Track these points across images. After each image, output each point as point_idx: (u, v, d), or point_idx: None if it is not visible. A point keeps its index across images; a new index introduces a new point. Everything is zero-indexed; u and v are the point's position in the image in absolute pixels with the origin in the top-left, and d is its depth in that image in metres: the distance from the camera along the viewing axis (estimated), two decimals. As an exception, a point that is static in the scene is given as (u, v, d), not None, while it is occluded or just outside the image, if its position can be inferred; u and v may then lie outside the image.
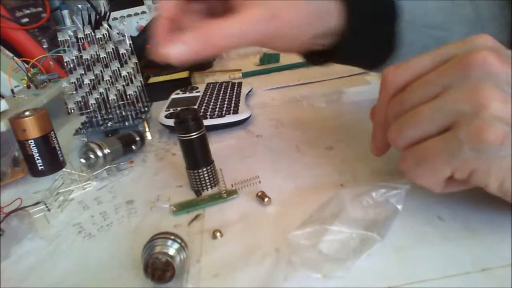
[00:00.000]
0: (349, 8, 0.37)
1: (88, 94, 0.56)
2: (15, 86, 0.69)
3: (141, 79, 0.58)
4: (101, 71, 0.56)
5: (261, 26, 0.34)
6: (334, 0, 0.37)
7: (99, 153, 0.45)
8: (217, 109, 0.55)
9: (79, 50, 0.55)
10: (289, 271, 0.26)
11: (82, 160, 0.45)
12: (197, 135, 0.37)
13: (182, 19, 0.38)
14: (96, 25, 0.82)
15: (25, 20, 0.84)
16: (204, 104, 0.58)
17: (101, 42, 0.55)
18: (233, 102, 0.57)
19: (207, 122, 0.51)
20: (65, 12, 1.02)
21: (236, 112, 0.53)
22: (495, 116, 0.23)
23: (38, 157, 0.47)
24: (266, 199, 0.35)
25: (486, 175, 0.25)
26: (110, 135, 0.56)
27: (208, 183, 0.38)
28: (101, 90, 0.56)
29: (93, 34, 0.55)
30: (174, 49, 0.33)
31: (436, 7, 0.41)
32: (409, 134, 0.28)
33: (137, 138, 0.50)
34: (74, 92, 0.55)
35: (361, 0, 0.38)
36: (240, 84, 0.66)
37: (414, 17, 0.39)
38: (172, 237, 0.28)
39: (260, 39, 0.35)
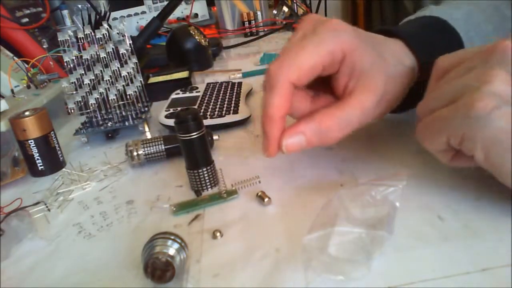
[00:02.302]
0: (423, 58, 0.38)
1: (88, 94, 0.56)
2: (15, 86, 0.68)
3: (141, 79, 0.58)
4: (101, 71, 0.56)
5: (374, 110, 0.35)
6: (412, 56, 0.38)
7: None
8: (217, 109, 0.55)
9: (79, 50, 0.55)
10: (311, 276, 0.25)
11: None
12: (197, 135, 0.37)
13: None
14: (96, 25, 0.82)
15: (25, 20, 0.84)
16: (204, 104, 0.58)
17: (101, 42, 0.55)
18: (233, 102, 0.57)
19: (207, 122, 0.51)
20: (65, 12, 1.02)
21: (236, 112, 0.53)
22: (493, 91, 0.25)
23: (38, 157, 0.47)
24: (266, 199, 0.35)
25: (472, 143, 0.26)
26: (110, 135, 0.56)
27: (208, 183, 0.38)
28: (101, 90, 0.56)
29: (93, 34, 0.55)
30: (292, 140, 0.33)
31: (488, 23, 0.43)
32: (428, 105, 0.30)
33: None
34: (74, 92, 0.55)
35: (433, 49, 0.38)
36: (240, 84, 0.66)
37: (472, 41, 0.41)
38: (172, 237, 0.28)
39: (372, 120, 0.36)
